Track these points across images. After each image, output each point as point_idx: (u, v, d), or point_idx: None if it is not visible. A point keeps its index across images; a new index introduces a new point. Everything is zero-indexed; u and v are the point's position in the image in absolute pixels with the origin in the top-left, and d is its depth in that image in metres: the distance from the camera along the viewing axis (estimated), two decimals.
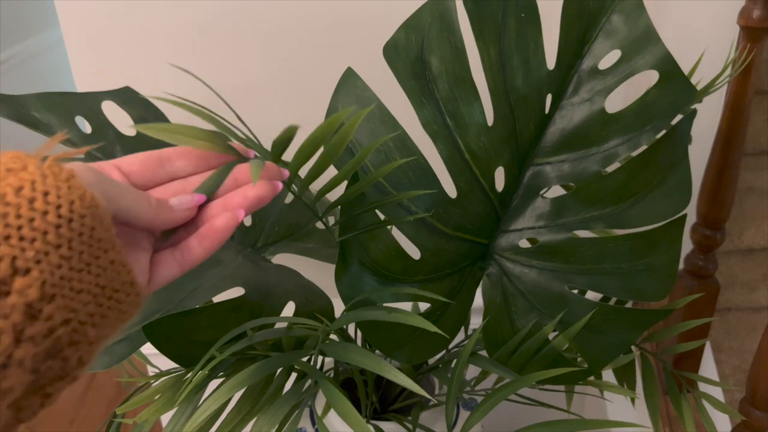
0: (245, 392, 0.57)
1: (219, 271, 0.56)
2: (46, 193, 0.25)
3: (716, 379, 1.01)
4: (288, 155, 0.51)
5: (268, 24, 0.83)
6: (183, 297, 0.52)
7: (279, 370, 0.59)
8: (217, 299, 0.57)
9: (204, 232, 0.34)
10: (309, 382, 0.46)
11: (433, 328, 0.43)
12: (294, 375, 0.77)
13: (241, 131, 0.44)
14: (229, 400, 0.52)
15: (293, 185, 0.47)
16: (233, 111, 0.49)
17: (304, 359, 0.50)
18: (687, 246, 0.90)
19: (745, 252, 1.15)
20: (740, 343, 1.11)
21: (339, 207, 0.54)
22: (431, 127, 0.57)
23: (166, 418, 1.20)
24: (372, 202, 0.52)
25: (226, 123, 0.43)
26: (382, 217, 0.56)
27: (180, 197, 0.34)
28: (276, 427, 0.43)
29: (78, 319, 0.25)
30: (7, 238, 0.23)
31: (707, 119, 0.91)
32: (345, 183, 0.51)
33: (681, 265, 0.92)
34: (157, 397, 0.52)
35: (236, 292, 0.55)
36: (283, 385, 0.58)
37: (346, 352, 0.44)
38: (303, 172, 0.47)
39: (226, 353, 0.46)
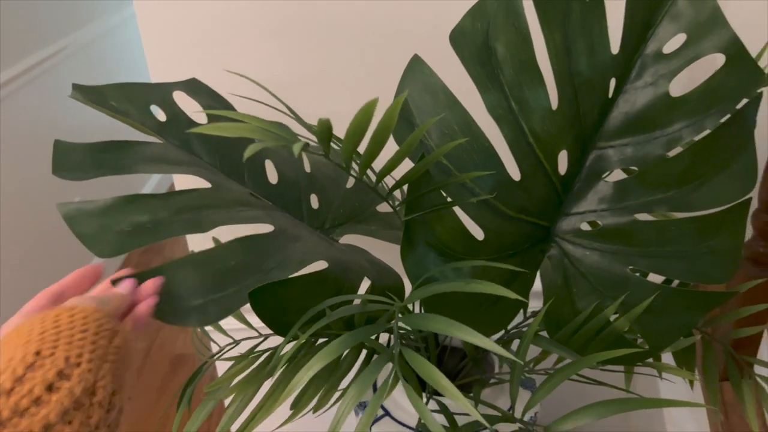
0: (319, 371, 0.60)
1: (301, 245, 0.58)
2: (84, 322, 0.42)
3: None
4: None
5: (328, 19, 0.85)
6: (272, 267, 0.55)
7: (348, 350, 0.62)
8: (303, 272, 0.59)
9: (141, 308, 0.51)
10: (393, 350, 0.48)
11: (513, 295, 0.45)
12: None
13: (297, 120, 0.47)
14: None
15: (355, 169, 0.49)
16: (284, 104, 0.51)
17: (377, 340, 0.53)
18: (748, 233, 0.89)
19: None
20: None
21: (404, 189, 0.56)
22: (496, 111, 0.59)
23: None
24: (437, 182, 0.54)
25: (282, 114, 0.45)
26: (447, 199, 0.58)
27: (123, 285, 0.50)
28: (361, 397, 0.45)
29: (112, 376, 0.40)
30: (68, 343, 0.39)
31: None
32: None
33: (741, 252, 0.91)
34: (244, 373, 0.56)
35: (319, 266, 0.58)
36: (353, 363, 0.61)
37: (426, 321, 0.46)
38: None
39: (311, 331, 0.48)
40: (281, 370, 0.56)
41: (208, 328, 0.96)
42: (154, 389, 1.93)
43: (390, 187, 0.54)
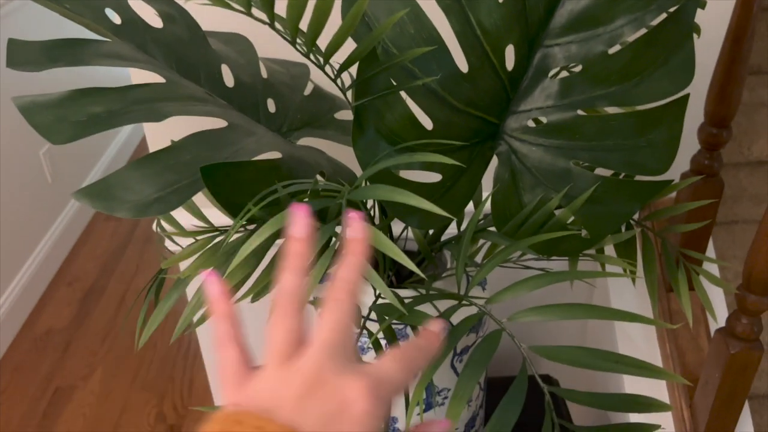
0: (279, 251, 0.62)
1: (255, 139, 0.60)
2: None
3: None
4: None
5: None
6: (226, 156, 0.56)
7: None
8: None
9: None
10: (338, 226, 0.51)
11: (450, 161, 0.47)
12: None
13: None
14: (262, 257, 0.58)
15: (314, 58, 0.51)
16: None
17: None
18: (694, 146, 0.93)
19: (754, 164, 1.17)
20: (745, 252, 1.14)
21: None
22: (444, 0, 0.60)
23: None
24: (383, 62, 0.56)
25: None
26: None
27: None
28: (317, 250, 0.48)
29: None
30: None
31: (721, 22, 0.93)
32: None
33: (687, 166, 0.95)
34: (199, 253, 0.58)
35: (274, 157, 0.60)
36: None
37: (373, 191, 0.49)
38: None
39: (262, 204, 0.50)
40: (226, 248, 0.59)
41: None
42: (131, 333, 1.96)
43: (346, 81, 0.55)
